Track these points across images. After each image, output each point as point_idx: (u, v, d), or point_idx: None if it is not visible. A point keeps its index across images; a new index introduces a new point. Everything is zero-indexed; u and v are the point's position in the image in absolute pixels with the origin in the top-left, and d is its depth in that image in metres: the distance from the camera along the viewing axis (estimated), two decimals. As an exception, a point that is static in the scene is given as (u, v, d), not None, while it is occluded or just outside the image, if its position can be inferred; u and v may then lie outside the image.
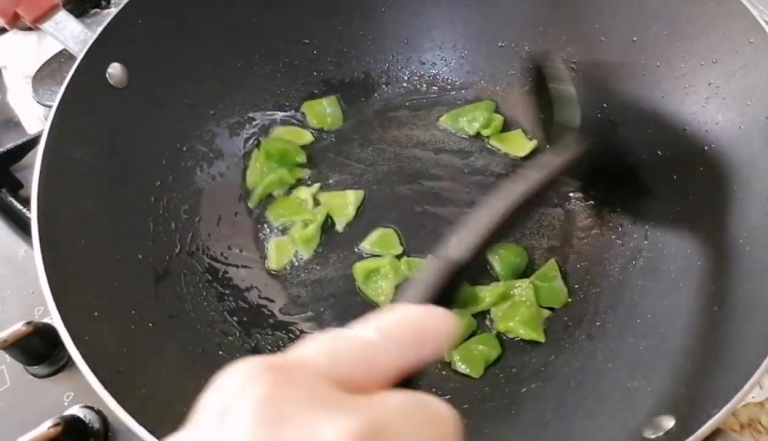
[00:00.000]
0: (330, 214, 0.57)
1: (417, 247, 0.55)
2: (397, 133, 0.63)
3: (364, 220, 0.57)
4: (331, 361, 0.20)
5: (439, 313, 0.23)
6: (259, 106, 0.62)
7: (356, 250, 0.55)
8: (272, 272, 0.54)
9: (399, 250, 0.54)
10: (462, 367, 0.48)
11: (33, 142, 0.63)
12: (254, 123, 0.61)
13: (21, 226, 0.60)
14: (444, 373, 0.49)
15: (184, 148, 0.55)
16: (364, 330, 0.21)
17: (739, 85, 0.44)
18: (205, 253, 0.53)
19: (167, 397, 0.39)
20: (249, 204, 0.58)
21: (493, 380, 0.48)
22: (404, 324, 0.22)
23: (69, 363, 0.50)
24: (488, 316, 0.51)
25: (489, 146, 0.61)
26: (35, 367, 0.50)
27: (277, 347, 0.50)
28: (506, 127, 0.62)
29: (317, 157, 0.62)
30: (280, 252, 0.54)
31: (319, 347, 0.20)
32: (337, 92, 0.64)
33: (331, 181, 0.60)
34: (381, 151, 0.62)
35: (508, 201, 0.37)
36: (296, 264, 0.55)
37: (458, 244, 0.32)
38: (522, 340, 0.49)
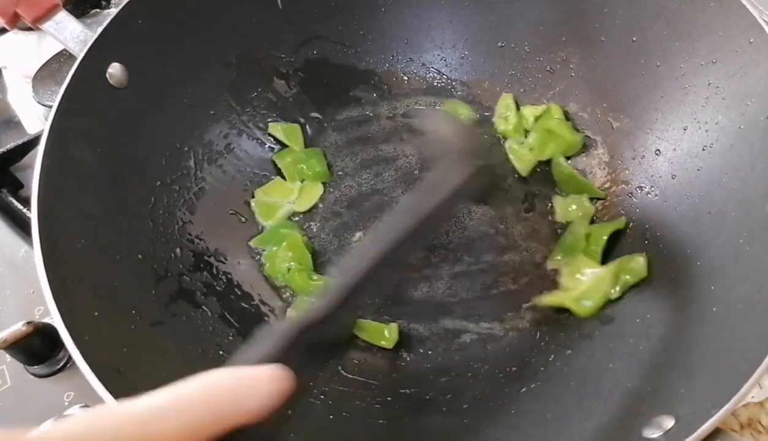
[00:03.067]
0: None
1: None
2: (397, 133, 0.63)
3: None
4: (86, 436, 0.19)
5: (259, 373, 0.22)
6: (258, 106, 0.62)
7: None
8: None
9: None
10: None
11: (33, 142, 0.63)
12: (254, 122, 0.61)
13: (21, 226, 0.60)
14: (444, 373, 0.49)
15: (185, 148, 0.55)
16: (145, 400, 0.21)
17: (739, 85, 0.44)
18: (204, 253, 0.53)
19: (167, 397, 0.39)
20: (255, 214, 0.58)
21: (493, 380, 0.48)
22: (203, 390, 0.21)
23: (69, 363, 0.50)
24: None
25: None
26: (35, 367, 0.50)
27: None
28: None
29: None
30: (272, 261, 0.54)
31: (76, 423, 0.20)
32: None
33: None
34: (378, 151, 0.62)
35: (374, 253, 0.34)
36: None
37: (317, 303, 0.30)
38: (521, 339, 0.49)
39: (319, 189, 0.59)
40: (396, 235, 0.35)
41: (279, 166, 0.60)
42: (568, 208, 0.55)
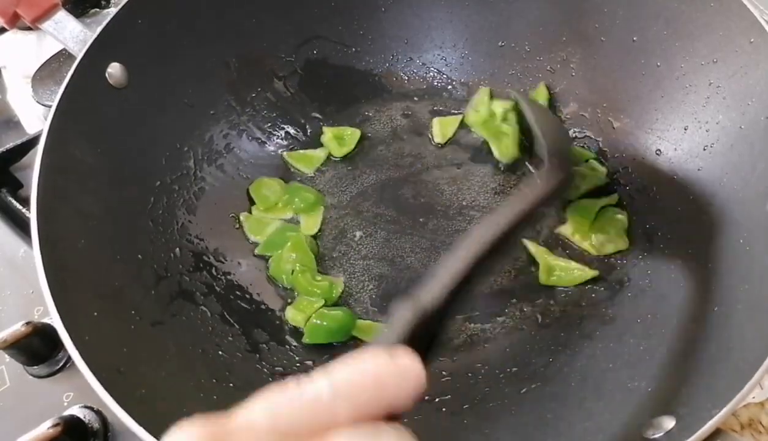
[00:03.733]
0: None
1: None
2: (396, 133, 0.63)
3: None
4: (272, 422, 0.20)
5: (405, 362, 0.22)
6: (258, 106, 0.62)
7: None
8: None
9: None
10: None
11: (33, 142, 0.63)
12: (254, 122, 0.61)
13: (21, 226, 0.60)
14: (444, 373, 0.49)
15: (185, 148, 0.55)
16: (316, 383, 0.21)
17: (740, 84, 0.44)
18: (204, 253, 0.53)
19: (167, 397, 0.39)
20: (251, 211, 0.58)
21: (493, 380, 0.48)
22: (361, 376, 0.22)
23: (69, 363, 0.50)
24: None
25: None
26: (35, 367, 0.50)
27: (277, 347, 0.49)
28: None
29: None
30: (276, 262, 0.54)
31: (261, 408, 0.21)
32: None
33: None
34: (378, 151, 0.62)
35: (479, 244, 0.35)
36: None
37: (430, 291, 0.31)
38: (521, 339, 0.49)
39: (320, 212, 0.58)
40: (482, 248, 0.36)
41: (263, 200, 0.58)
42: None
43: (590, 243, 0.53)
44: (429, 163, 0.61)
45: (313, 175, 0.61)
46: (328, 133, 0.62)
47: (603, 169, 0.56)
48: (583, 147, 0.58)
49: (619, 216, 0.53)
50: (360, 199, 0.59)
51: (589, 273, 0.51)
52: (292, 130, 0.63)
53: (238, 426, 0.20)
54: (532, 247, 0.53)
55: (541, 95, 0.60)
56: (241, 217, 0.57)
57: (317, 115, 0.64)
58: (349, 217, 0.58)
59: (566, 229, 0.54)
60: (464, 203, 0.57)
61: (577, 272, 0.51)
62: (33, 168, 0.41)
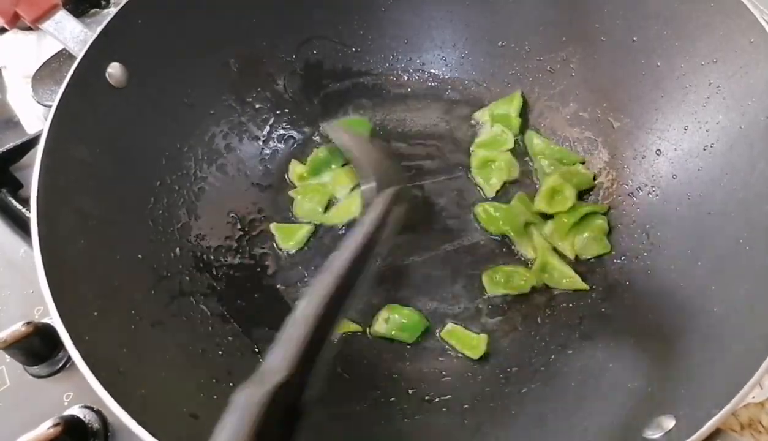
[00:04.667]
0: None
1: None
2: (397, 133, 0.63)
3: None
4: None
5: None
6: (258, 106, 0.62)
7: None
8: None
9: None
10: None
11: (33, 142, 0.63)
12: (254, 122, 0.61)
13: (21, 226, 0.60)
14: (444, 373, 0.49)
15: (185, 148, 0.55)
16: None
17: (740, 84, 0.44)
18: (204, 253, 0.53)
19: (167, 397, 0.39)
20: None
21: (493, 380, 0.48)
22: None
23: (69, 363, 0.50)
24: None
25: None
26: (35, 367, 0.50)
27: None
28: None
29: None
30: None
31: None
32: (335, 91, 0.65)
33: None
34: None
35: (321, 299, 0.32)
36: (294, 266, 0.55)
37: (276, 364, 0.28)
38: (521, 339, 0.49)
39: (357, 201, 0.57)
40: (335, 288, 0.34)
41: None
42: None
43: (571, 246, 0.53)
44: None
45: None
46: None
47: (589, 173, 0.56)
48: (568, 148, 0.58)
49: (600, 221, 0.53)
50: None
51: (579, 284, 0.51)
52: (291, 131, 0.63)
53: None
54: (537, 238, 0.53)
55: (515, 103, 0.61)
56: (272, 228, 0.57)
57: (317, 115, 0.64)
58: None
59: (548, 229, 0.54)
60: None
61: (566, 281, 0.51)
62: (33, 168, 0.41)
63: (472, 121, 0.63)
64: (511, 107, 0.61)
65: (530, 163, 0.60)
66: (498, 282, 0.52)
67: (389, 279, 0.54)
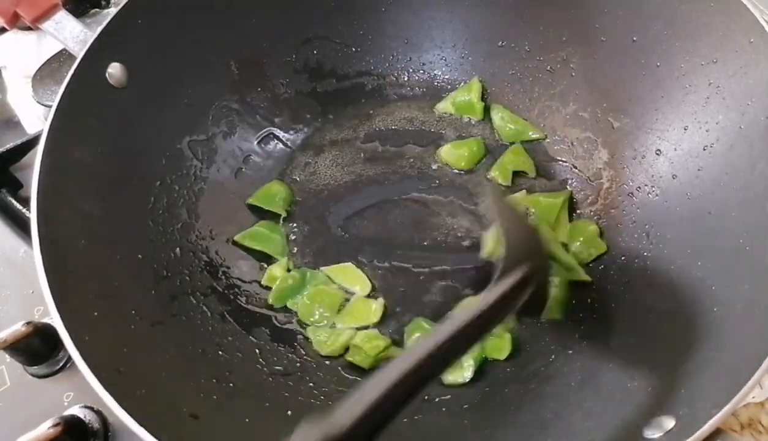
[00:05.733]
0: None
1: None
2: (397, 133, 0.63)
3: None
4: None
5: None
6: (258, 106, 0.62)
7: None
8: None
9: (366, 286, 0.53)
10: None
11: (33, 142, 0.63)
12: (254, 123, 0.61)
13: (21, 226, 0.60)
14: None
15: (184, 148, 0.55)
16: None
17: (740, 85, 0.44)
18: (204, 253, 0.53)
19: (167, 397, 0.39)
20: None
21: (493, 380, 0.48)
22: None
23: (69, 363, 0.50)
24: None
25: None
26: (35, 367, 0.50)
27: (276, 347, 0.50)
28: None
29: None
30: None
31: None
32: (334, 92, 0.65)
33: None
34: (378, 149, 0.62)
35: (415, 363, 0.29)
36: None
37: (347, 413, 0.26)
38: (521, 339, 0.49)
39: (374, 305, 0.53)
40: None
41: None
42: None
43: (570, 252, 0.53)
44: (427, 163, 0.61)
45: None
46: None
47: (555, 201, 0.55)
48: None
49: (590, 227, 0.54)
50: (358, 188, 0.60)
51: (582, 276, 0.51)
52: (291, 130, 0.63)
53: None
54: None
55: (474, 88, 0.62)
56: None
57: (317, 115, 0.64)
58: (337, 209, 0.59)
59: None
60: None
61: (563, 273, 0.51)
62: (33, 168, 0.41)
63: (434, 112, 0.64)
64: (471, 93, 0.62)
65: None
66: None
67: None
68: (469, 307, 0.35)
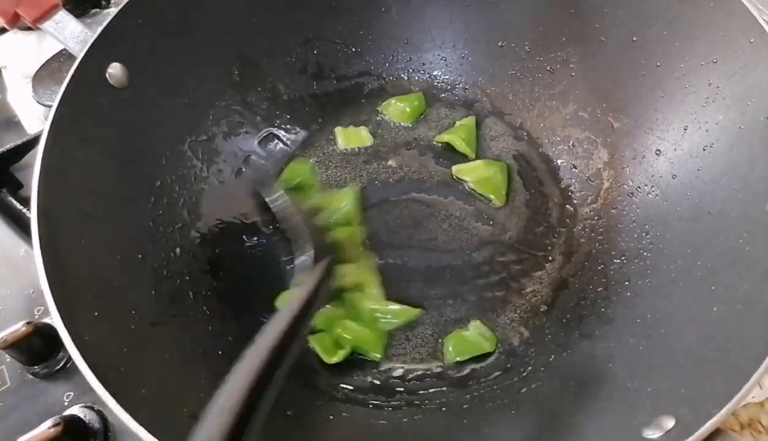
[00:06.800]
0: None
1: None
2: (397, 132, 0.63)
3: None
4: None
5: None
6: (258, 106, 0.62)
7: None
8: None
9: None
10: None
11: (33, 142, 0.63)
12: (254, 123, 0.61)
13: (21, 226, 0.60)
14: (443, 373, 0.49)
15: (185, 148, 0.55)
16: None
17: (740, 85, 0.44)
18: (204, 253, 0.53)
19: (167, 397, 0.39)
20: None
21: (493, 380, 0.48)
22: None
23: (69, 363, 0.50)
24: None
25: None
26: (35, 367, 0.50)
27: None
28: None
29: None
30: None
31: None
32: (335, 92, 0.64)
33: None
34: (379, 148, 0.62)
35: (260, 357, 0.33)
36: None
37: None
38: (521, 338, 0.49)
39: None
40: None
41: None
42: None
43: None
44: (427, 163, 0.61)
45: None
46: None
47: None
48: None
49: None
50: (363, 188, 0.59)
51: None
52: (292, 131, 0.63)
53: None
54: None
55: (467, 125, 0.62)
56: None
57: (317, 115, 0.64)
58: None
59: None
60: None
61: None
62: (33, 168, 0.41)
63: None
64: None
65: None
66: None
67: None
68: (292, 298, 0.39)
